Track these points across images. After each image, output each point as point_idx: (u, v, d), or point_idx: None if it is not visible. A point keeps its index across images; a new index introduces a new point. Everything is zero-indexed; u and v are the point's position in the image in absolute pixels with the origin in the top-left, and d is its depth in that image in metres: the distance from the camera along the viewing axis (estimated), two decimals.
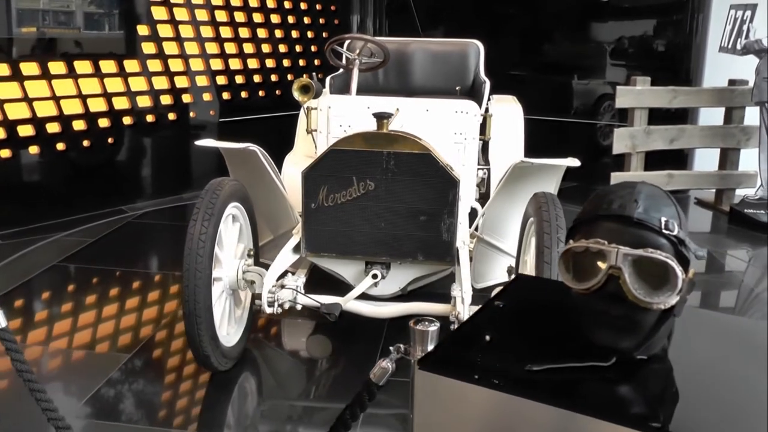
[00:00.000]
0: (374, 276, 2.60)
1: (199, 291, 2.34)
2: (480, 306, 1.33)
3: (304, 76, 3.26)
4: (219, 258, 2.51)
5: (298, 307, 2.59)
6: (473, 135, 2.99)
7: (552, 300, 1.31)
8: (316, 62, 6.21)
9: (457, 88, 3.81)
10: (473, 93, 3.91)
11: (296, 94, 3.04)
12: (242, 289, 2.67)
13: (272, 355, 2.94)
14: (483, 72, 3.94)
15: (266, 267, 2.63)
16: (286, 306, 2.56)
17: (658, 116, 5.09)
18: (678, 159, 5.52)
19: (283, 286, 2.58)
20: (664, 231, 1.13)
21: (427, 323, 1.30)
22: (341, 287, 2.73)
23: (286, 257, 2.65)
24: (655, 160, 5.08)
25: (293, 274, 2.74)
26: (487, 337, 1.20)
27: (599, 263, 1.12)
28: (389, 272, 2.66)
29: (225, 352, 2.54)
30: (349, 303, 2.59)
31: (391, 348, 1.36)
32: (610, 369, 1.13)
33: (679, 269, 1.11)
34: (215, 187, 2.49)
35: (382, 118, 2.54)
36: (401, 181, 2.52)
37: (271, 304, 2.52)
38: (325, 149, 2.61)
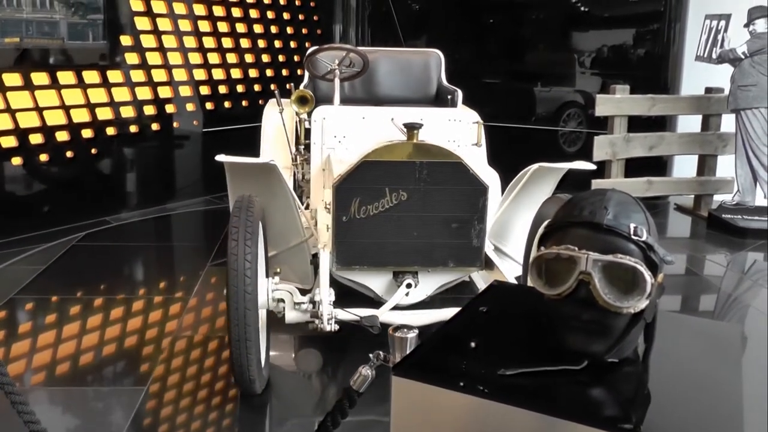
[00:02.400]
0: (408, 285, 2.61)
1: (249, 314, 2.28)
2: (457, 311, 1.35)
3: (288, 86, 3.27)
4: None
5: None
6: (466, 142, 3.05)
7: (526, 306, 1.34)
8: (299, 72, 6.24)
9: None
10: (438, 101, 3.96)
11: (295, 106, 3.05)
12: (269, 309, 2.62)
13: (282, 372, 2.87)
14: (445, 80, 4.01)
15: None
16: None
17: (637, 124, 5.17)
18: (657, 166, 5.60)
19: (313, 302, 2.54)
20: (633, 237, 1.16)
21: (405, 330, 1.32)
22: (358, 298, 2.71)
23: (327, 273, 2.61)
24: (634, 167, 5.15)
25: (309, 290, 2.70)
26: (472, 344, 1.22)
27: (570, 269, 1.15)
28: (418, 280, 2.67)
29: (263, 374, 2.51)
30: (385, 314, 2.58)
31: (370, 355, 1.38)
32: (582, 372, 1.16)
33: (648, 274, 1.14)
34: (248, 204, 2.43)
35: (412, 128, 2.55)
36: (434, 190, 2.53)
37: (329, 322, 2.48)
38: (356, 161, 2.57)
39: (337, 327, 2.51)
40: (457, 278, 2.78)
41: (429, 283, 2.72)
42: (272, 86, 5.75)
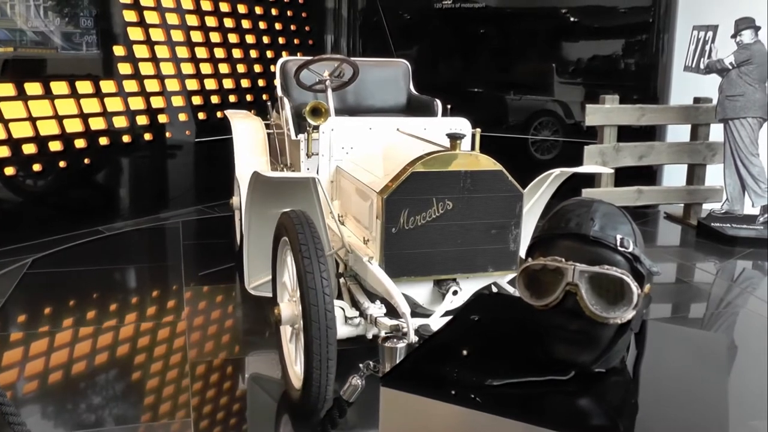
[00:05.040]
0: (454, 293, 2.62)
1: (331, 333, 2.27)
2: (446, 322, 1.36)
3: (265, 96, 3.26)
4: None
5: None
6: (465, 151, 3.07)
7: (513, 316, 1.35)
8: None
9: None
10: (410, 111, 4.00)
11: (309, 118, 3.07)
12: None
13: (275, 382, 2.81)
14: (414, 90, 4.05)
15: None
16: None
17: (626, 134, 5.22)
18: (647, 175, 5.65)
19: (364, 316, 2.54)
20: (619, 248, 1.18)
21: (395, 340, 1.33)
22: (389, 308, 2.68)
23: (392, 283, 2.55)
24: (624, 176, 5.19)
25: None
26: (465, 352, 1.24)
27: (557, 280, 1.17)
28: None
29: None
30: (435, 321, 2.56)
31: (360, 365, 1.38)
32: (569, 383, 1.17)
33: (634, 285, 1.15)
34: (305, 219, 2.44)
35: (456, 138, 2.58)
36: (476, 198, 2.58)
37: (415, 332, 2.43)
38: (404, 172, 2.54)
39: (417, 338, 2.43)
40: (490, 282, 2.80)
41: (468, 289, 2.74)
42: (264, 96, 5.77)
